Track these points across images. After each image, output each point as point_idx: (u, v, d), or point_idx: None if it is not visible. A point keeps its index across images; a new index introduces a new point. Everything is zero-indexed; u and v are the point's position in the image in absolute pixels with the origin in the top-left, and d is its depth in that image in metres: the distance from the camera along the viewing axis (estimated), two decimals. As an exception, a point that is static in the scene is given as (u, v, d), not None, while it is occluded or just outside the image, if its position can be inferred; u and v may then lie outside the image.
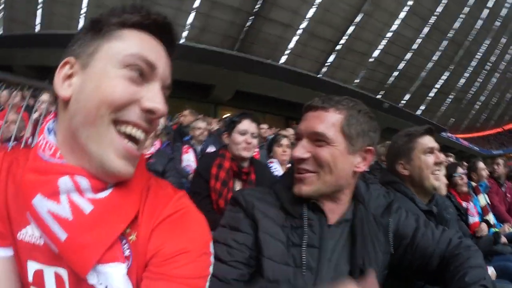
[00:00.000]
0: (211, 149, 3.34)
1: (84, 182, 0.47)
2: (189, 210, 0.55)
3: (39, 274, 0.49)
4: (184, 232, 0.52)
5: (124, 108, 0.49)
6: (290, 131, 5.31)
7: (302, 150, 0.81)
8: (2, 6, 18.10)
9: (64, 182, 0.46)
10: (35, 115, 2.68)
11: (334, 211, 0.83)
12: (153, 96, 0.51)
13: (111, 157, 0.48)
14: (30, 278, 0.49)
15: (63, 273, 0.48)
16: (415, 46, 20.23)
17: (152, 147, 2.40)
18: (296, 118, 18.11)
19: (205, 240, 0.54)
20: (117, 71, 0.49)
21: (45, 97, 2.92)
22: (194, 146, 3.42)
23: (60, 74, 0.52)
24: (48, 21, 17.13)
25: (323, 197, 0.82)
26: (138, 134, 0.51)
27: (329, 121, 0.80)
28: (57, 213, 0.45)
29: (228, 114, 14.20)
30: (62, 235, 0.45)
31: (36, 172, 0.48)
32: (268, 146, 3.11)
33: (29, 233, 0.50)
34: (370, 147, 0.85)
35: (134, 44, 0.52)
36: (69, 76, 0.52)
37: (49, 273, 0.49)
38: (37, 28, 17.50)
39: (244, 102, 15.17)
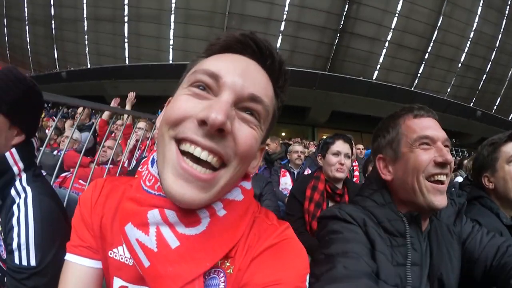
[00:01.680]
0: (308, 172, 3.28)
1: (172, 215, 0.46)
2: (290, 242, 0.52)
3: None
4: (280, 263, 0.49)
5: (181, 123, 0.45)
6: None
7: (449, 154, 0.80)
8: (86, 42, 19.50)
9: (153, 215, 0.47)
10: (132, 142, 2.80)
11: (424, 222, 0.82)
12: (210, 105, 0.44)
13: (169, 176, 0.44)
14: None
15: None
16: (498, 44, 18.68)
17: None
18: None
19: (301, 273, 0.49)
20: (183, 90, 0.49)
21: (141, 124, 3.10)
22: (291, 169, 3.42)
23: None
24: (137, 54, 17.90)
25: (422, 212, 0.80)
26: (197, 152, 0.44)
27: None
28: (144, 243, 0.47)
29: (325, 136, 13.89)
30: (146, 262, 0.46)
31: (133, 201, 0.50)
32: (364, 165, 2.95)
33: (120, 253, 0.54)
34: None
35: (203, 63, 0.50)
36: None
37: None
38: (127, 61, 18.32)
39: (340, 122, 14.81)
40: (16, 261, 0.77)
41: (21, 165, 0.90)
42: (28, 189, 0.87)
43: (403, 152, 0.82)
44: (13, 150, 0.89)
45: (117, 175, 2.28)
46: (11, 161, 0.88)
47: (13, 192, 0.87)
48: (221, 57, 0.50)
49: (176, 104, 0.46)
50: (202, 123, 0.43)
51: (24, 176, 0.90)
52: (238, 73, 0.47)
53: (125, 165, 2.66)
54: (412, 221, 0.79)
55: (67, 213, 0.90)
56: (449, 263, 0.80)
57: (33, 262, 0.77)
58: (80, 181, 2.32)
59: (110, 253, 0.54)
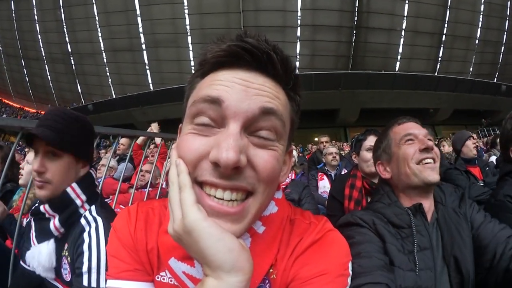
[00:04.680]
0: (344, 172, 3.23)
1: None
2: (330, 234, 0.54)
3: None
4: (323, 255, 0.51)
5: (197, 165, 0.43)
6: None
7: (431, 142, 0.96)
8: (108, 73, 20.14)
9: None
10: (168, 164, 2.95)
11: (429, 210, 0.94)
12: (218, 143, 0.41)
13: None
14: None
15: None
16: (508, 12, 18.42)
17: (288, 178, 2.48)
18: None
19: (343, 261, 0.52)
20: (187, 127, 0.46)
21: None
22: (328, 172, 3.40)
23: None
24: (160, 79, 18.42)
25: (423, 196, 0.94)
26: (219, 194, 0.43)
27: None
28: (191, 274, 0.48)
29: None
30: None
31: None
32: None
33: (169, 276, 0.53)
34: None
35: (200, 89, 0.47)
36: None
37: None
38: (151, 87, 18.82)
39: (370, 119, 14.94)
40: (85, 283, 0.83)
41: (83, 197, 0.96)
42: (99, 219, 0.93)
43: (393, 151, 1.02)
44: (74, 184, 0.96)
45: (156, 197, 2.36)
46: (73, 195, 0.95)
47: (83, 221, 0.93)
48: (216, 77, 0.46)
49: (185, 145, 0.45)
50: (216, 165, 0.41)
51: (93, 207, 0.97)
52: (239, 92, 0.43)
53: (164, 186, 2.70)
54: (417, 212, 0.92)
55: None
56: (460, 241, 0.90)
57: (102, 284, 0.82)
58: (121, 206, 2.34)
59: (158, 277, 0.54)
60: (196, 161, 0.43)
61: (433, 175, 0.93)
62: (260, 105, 0.43)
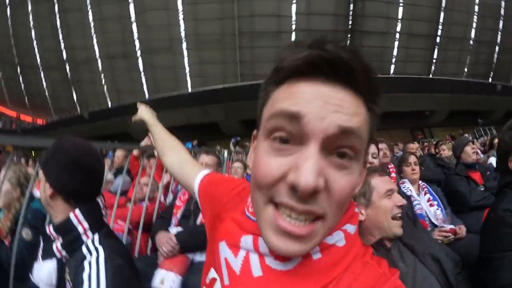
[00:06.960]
0: None
1: (264, 246, 0.47)
2: None
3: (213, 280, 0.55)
4: None
5: (274, 187, 0.42)
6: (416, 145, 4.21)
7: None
8: (103, 81, 20.07)
9: (245, 240, 0.49)
10: (165, 178, 2.84)
11: (388, 241, 1.12)
12: (296, 166, 0.39)
13: (268, 232, 0.43)
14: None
15: None
16: (503, 12, 18.54)
17: None
18: (420, 127, 17.60)
19: None
20: (263, 144, 0.44)
21: None
22: None
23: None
24: (155, 86, 18.36)
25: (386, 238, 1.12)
26: (294, 216, 0.41)
27: None
28: (231, 263, 0.49)
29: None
30: (226, 280, 0.49)
31: (234, 223, 0.54)
32: (397, 166, 2.86)
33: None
34: None
35: (276, 100, 0.43)
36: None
37: None
38: (146, 94, 18.78)
39: (367, 123, 14.88)
40: None
41: (85, 224, 0.96)
42: (100, 248, 0.92)
43: (374, 200, 1.14)
44: (77, 210, 0.96)
45: (155, 212, 2.36)
46: (75, 221, 0.95)
47: (84, 250, 0.92)
48: (293, 89, 0.42)
49: (261, 166, 0.43)
50: (293, 188, 0.39)
51: (96, 236, 0.96)
52: (318, 107, 0.40)
53: (162, 200, 2.64)
54: (379, 246, 1.07)
55: (138, 271, 1.00)
56: (425, 242, 1.11)
57: None
58: (119, 221, 2.19)
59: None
60: (273, 183, 0.42)
61: (400, 231, 1.12)
62: (339, 124, 0.40)
